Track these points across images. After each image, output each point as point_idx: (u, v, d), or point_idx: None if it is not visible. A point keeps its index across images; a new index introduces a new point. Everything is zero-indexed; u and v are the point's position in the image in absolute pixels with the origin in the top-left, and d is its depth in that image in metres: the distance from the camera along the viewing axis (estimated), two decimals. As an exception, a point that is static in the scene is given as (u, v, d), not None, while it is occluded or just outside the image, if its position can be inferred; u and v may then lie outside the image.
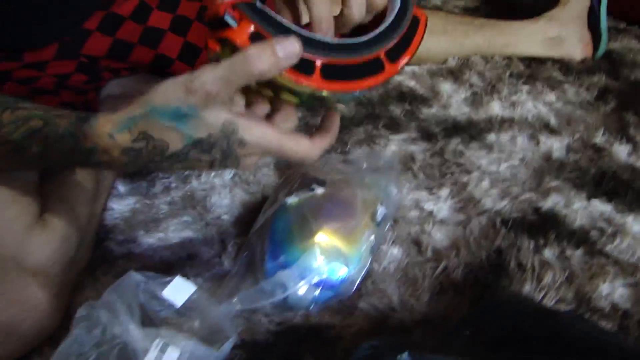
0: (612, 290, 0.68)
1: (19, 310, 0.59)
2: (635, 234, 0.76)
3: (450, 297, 0.67)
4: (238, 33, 0.47)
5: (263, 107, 0.54)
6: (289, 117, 0.53)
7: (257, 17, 0.48)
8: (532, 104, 1.02)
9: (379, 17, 0.55)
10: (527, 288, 0.68)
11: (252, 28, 0.47)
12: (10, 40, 0.80)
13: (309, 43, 0.48)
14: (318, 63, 0.48)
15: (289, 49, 0.45)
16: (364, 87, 0.51)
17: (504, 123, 0.97)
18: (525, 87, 1.06)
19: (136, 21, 0.90)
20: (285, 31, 0.48)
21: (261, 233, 0.68)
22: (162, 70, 0.95)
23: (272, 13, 0.49)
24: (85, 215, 0.72)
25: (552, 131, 0.95)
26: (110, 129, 0.48)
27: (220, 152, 0.49)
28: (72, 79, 0.86)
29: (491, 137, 0.93)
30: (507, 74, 1.10)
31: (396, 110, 1.00)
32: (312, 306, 0.65)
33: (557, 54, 1.16)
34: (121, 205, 0.82)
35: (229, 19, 0.47)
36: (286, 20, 0.49)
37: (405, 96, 1.04)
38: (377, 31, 0.52)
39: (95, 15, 0.87)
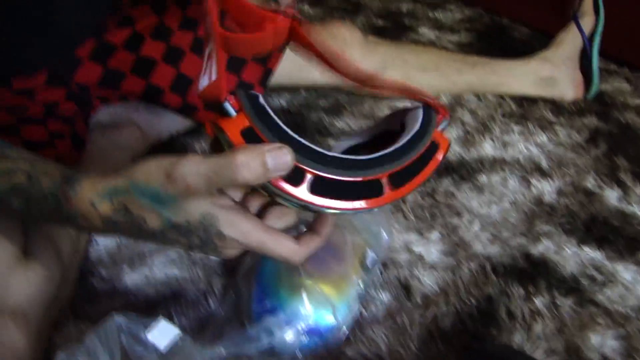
0: (602, 342, 0.68)
1: None
2: (625, 283, 0.75)
3: (439, 346, 0.66)
4: (233, 126, 0.46)
5: (259, 201, 0.52)
6: (285, 215, 0.51)
7: (256, 114, 0.46)
8: (523, 145, 1.02)
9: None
10: (518, 338, 0.67)
11: (247, 124, 0.46)
12: (1, 65, 0.78)
13: (303, 151, 0.45)
14: (308, 176, 0.46)
15: (280, 160, 0.43)
16: (356, 209, 0.47)
17: (495, 164, 0.96)
18: (517, 128, 1.06)
19: (129, 50, 0.89)
20: (281, 136, 0.45)
21: (248, 276, 0.67)
22: (153, 100, 0.94)
23: (271, 112, 0.47)
24: (69, 253, 0.70)
25: (543, 174, 0.95)
26: (93, 196, 0.47)
27: (198, 239, 0.48)
28: (62, 107, 0.85)
29: (482, 178, 0.93)
30: (500, 113, 1.11)
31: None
32: (298, 353, 0.63)
33: (549, 94, 1.16)
34: (106, 239, 0.80)
35: (228, 108, 0.46)
36: (283, 125, 0.47)
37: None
38: (384, 151, 0.49)
39: (87, 43, 0.86)
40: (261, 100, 0.47)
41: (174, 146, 0.99)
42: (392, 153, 0.49)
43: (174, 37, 0.92)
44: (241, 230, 0.47)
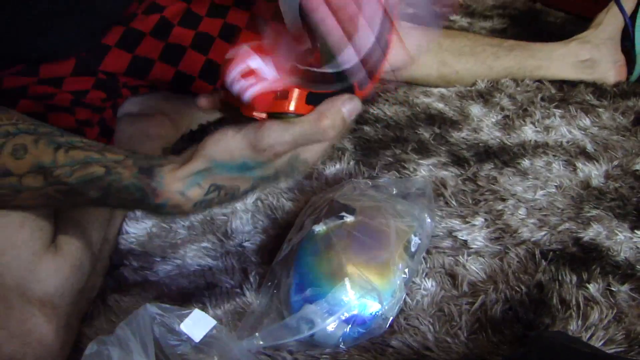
0: (665, 331, 0.63)
1: (20, 344, 0.55)
2: (684, 269, 0.71)
3: (489, 336, 0.62)
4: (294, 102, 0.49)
5: None
6: None
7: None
8: (566, 128, 0.97)
9: None
10: (572, 327, 0.63)
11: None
12: (28, 51, 0.77)
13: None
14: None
15: (353, 108, 0.49)
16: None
17: (538, 148, 0.92)
18: (558, 111, 1.02)
19: (157, 37, 0.87)
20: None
21: (286, 263, 0.64)
22: (182, 88, 0.92)
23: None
24: (99, 241, 0.68)
25: (588, 157, 0.90)
26: (180, 187, 0.48)
27: (284, 174, 0.51)
28: (89, 96, 0.83)
29: (525, 163, 0.89)
30: (539, 97, 1.06)
31: (425, 133, 0.96)
32: (341, 344, 0.60)
33: (590, 77, 1.12)
34: (137, 228, 0.78)
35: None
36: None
37: (434, 119, 1.00)
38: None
39: (115, 30, 0.84)
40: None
41: (204, 136, 0.96)
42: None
43: (202, 23, 0.90)
44: (314, 149, 0.50)
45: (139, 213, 0.80)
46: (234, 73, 0.49)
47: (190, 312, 0.56)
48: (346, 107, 0.48)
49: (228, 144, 0.47)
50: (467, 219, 0.78)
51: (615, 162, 0.89)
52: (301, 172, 0.54)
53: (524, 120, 0.99)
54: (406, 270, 0.63)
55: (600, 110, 1.03)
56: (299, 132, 0.47)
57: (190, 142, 0.96)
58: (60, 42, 0.78)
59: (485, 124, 0.99)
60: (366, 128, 0.98)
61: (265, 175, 0.50)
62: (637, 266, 0.71)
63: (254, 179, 0.50)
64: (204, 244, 0.75)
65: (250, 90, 0.48)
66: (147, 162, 0.50)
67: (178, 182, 0.48)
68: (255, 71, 0.48)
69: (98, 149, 0.51)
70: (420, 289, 0.68)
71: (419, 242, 0.66)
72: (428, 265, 0.71)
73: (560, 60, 1.12)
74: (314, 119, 0.47)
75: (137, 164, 0.50)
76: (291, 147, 0.48)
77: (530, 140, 0.94)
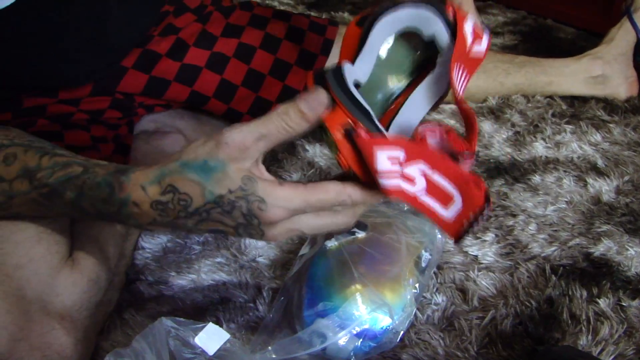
0: (675, 347, 0.63)
1: (41, 356, 0.56)
2: (695, 284, 0.71)
3: (499, 350, 0.63)
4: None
5: None
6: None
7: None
8: (577, 144, 0.98)
9: None
10: (583, 341, 0.63)
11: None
12: (46, 80, 0.79)
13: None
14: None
15: (315, 102, 0.47)
16: None
17: (549, 164, 0.93)
18: (569, 127, 1.03)
19: (172, 58, 0.89)
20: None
21: (298, 278, 0.65)
22: (197, 107, 0.94)
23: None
24: (115, 256, 0.69)
25: (599, 173, 0.91)
26: (143, 181, 0.48)
27: (241, 215, 0.47)
28: (106, 115, 0.85)
29: (536, 178, 0.89)
30: (550, 113, 1.07)
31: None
32: (352, 358, 0.61)
33: (601, 92, 1.12)
34: (152, 244, 0.80)
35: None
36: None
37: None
38: None
39: (132, 52, 0.86)
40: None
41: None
42: None
43: (217, 43, 0.92)
44: (282, 195, 0.47)
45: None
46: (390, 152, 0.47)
47: (204, 326, 0.57)
48: (304, 99, 0.47)
49: (197, 144, 0.47)
50: (477, 235, 0.78)
51: (626, 178, 0.89)
52: (259, 229, 0.48)
53: (535, 136, 1.00)
54: (417, 285, 0.64)
55: (612, 125, 1.03)
56: (258, 122, 0.47)
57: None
58: (80, 71, 0.80)
59: (496, 140, 1.00)
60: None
61: (217, 192, 0.47)
62: (648, 281, 0.71)
63: (207, 193, 0.47)
64: (218, 259, 0.76)
65: (391, 181, 0.47)
66: (128, 166, 0.51)
67: (142, 176, 0.48)
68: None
69: (83, 157, 0.53)
70: (431, 303, 0.69)
71: (430, 257, 0.67)
72: (439, 280, 0.71)
73: (571, 76, 1.12)
74: (277, 111, 0.47)
75: (117, 167, 0.51)
76: (252, 140, 0.47)
77: (541, 156, 0.95)
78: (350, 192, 0.49)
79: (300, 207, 0.48)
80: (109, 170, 0.50)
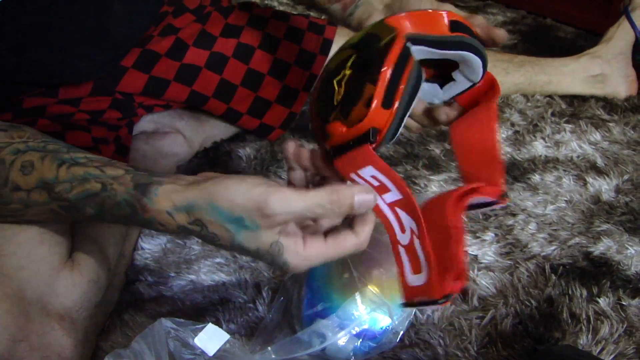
0: (676, 345, 0.63)
1: (40, 357, 0.56)
2: (695, 283, 0.71)
3: (499, 350, 0.63)
4: None
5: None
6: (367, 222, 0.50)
7: None
8: (576, 143, 0.98)
9: None
10: (583, 341, 0.63)
11: None
12: (48, 75, 0.79)
13: None
14: None
15: (366, 200, 0.47)
16: None
17: (548, 163, 0.93)
18: (569, 126, 1.02)
19: (172, 58, 0.89)
20: None
21: (298, 278, 0.65)
22: (196, 107, 0.94)
23: None
24: (115, 257, 0.69)
25: (599, 172, 0.90)
26: (170, 207, 0.48)
27: (265, 262, 0.49)
28: (105, 116, 0.85)
29: (535, 178, 0.89)
30: (549, 112, 1.07)
31: (436, 150, 0.97)
32: (352, 358, 0.61)
33: (601, 92, 1.12)
34: (152, 244, 0.80)
35: None
36: None
37: (445, 135, 1.00)
38: None
39: (132, 52, 0.86)
40: None
41: (218, 153, 0.98)
42: None
43: (216, 43, 0.92)
44: (305, 257, 0.48)
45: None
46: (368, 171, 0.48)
47: (204, 327, 0.57)
48: (358, 197, 0.46)
49: (236, 194, 0.45)
50: (477, 234, 0.79)
51: (626, 177, 0.89)
52: (279, 269, 0.51)
53: (535, 136, 1.00)
54: (416, 284, 0.64)
55: (611, 124, 1.03)
56: (309, 204, 0.45)
57: (205, 159, 0.98)
58: (80, 68, 0.80)
59: (495, 140, 1.00)
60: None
61: (245, 246, 0.47)
62: (648, 280, 0.71)
63: (236, 242, 0.47)
64: (218, 260, 0.76)
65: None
66: (147, 178, 0.50)
67: (169, 202, 0.48)
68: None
69: (99, 164, 0.52)
70: (430, 303, 0.68)
71: (429, 257, 0.67)
72: (438, 280, 0.71)
73: (571, 75, 1.12)
74: (327, 193, 0.45)
75: (135, 180, 0.50)
76: (295, 220, 0.47)
77: (541, 156, 0.95)
78: (364, 240, 0.50)
79: (320, 263, 0.49)
80: (127, 187, 0.49)
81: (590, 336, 0.64)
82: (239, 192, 0.45)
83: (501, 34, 0.59)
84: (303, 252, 0.47)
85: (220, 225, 0.46)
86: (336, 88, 0.49)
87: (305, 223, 0.50)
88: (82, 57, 0.79)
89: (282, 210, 0.44)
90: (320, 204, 0.45)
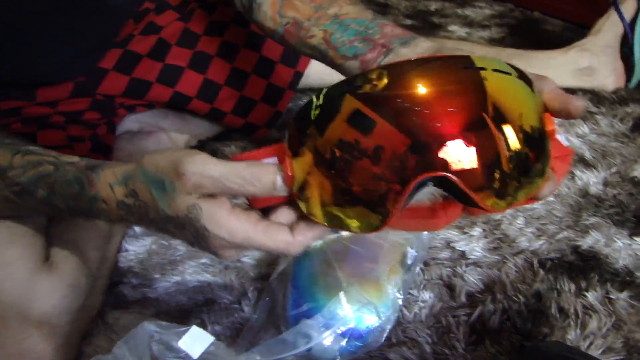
0: (664, 338, 0.63)
1: None
2: (684, 275, 0.70)
3: (487, 347, 0.62)
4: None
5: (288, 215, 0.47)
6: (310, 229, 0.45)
7: None
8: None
9: None
10: (571, 336, 0.63)
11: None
12: (22, 75, 0.77)
13: None
14: None
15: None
16: None
17: (536, 157, 0.92)
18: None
19: (154, 59, 0.88)
20: None
21: (283, 278, 0.64)
22: (180, 107, 0.93)
23: None
24: (97, 260, 0.68)
25: (587, 165, 0.90)
26: (112, 180, 0.47)
27: (191, 235, 0.45)
28: (85, 117, 0.84)
29: (523, 172, 0.89)
30: (537, 105, 1.06)
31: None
32: (338, 357, 0.60)
33: (589, 84, 1.12)
34: (136, 246, 0.79)
35: None
36: None
37: None
38: None
39: (112, 53, 0.85)
40: None
41: (203, 151, 0.97)
42: None
43: (200, 42, 0.90)
44: (226, 227, 0.44)
45: (138, 229, 0.80)
46: None
47: (188, 329, 0.56)
48: (281, 175, 0.43)
49: (160, 158, 0.44)
50: (465, 230, 0.78)
51: (614, 169, 0.89)
52: (210, 249, 0.46)
53: (522, 129, 0.99)
54: (402, 282, 0.63)
55: (599, 117, 1.03)
56: (226, 171, 0.42)
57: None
58: (55, 64, 0.78)
59: (483, 134, 0.99)
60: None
61: (167, 213, 0.45)
62: (636, 273, 0.71)
63: (159, 209, 0.45)
64: (203, 260, 0.75)
65: None
66: (98, 162, 0.50)
67: (112, 176, 0.47)
68: None
69: (56, 153, 0.52)
70: (417, 300, 0.68)
71: (415, 254, 0.66)
72: (426, 277, 0.71)
73: (558, 68, 1.12)
74: (248, 165, 0.43)
75: (88, 163, 0.50)
76: (211, 186, 0.43)
77: (529, 149, 0.94)
78: (298, 244, 0.45)
79: (242, 244, 0.45)
80: (79, 166, 0.49)
81: (578, 331, 0.63)
82: (163, 156, 0.44)
83: (580, 105, 0.47)
84: (224, 221, 0.44)
85: (147, 190, 0.45)
86: None
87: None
88: (54, 53, 0.77)
89: (195, 170, 0.42)
90: (240, 175, 0.42)
